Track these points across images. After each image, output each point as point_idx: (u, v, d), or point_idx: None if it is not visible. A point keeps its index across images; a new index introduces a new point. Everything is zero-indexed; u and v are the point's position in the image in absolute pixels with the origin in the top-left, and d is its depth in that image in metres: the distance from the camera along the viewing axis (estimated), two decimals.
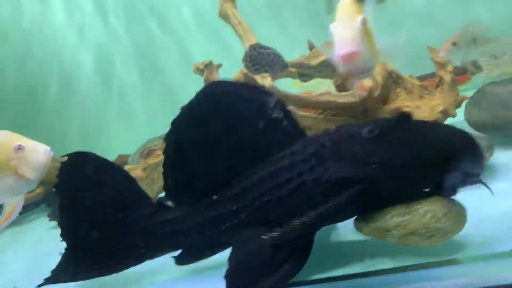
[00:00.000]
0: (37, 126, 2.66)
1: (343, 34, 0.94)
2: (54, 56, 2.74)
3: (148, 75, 2.72)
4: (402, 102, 1.50)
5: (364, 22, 0.95)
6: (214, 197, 0.95)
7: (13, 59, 2.70)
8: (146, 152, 1.56)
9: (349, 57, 0.92)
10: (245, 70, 1.44)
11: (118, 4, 2.74)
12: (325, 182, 0.87)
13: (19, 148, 1.03)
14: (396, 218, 0.91)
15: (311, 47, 1.73)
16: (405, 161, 0.87)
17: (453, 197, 0.94)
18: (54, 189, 1.04)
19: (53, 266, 1.04)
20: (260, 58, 1.39)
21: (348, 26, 0.95)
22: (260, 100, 0.92)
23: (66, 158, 1.02)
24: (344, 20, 0.97)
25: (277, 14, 2.58)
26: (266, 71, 1.41)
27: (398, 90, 1.53)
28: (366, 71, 1.00)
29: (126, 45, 2.71)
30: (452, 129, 0.94)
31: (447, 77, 1.49)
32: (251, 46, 1.41)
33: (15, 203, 1.12)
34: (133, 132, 2.64)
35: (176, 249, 1.02)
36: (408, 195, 0.91)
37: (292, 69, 1.69)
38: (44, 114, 2.74)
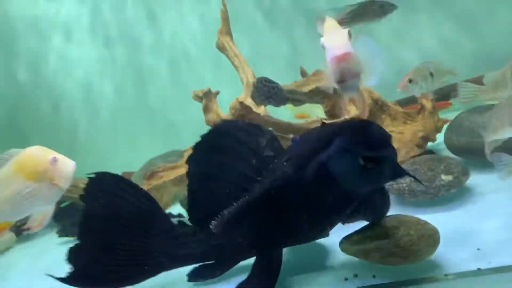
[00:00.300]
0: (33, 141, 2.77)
1: (334, 40, 1.04)
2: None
3: (142, 96, 2.86)
4: (387, 127, 1.62)
5: (349, 34, 1.06)
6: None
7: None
8: (149, 174, 1.67)
9: (343, 58, 1.00)
10: (241, 99, 1.57)
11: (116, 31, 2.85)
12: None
13: (54, 160, 1.14)
14: (376, 242, 1.03)
15: (303, 73, 1.85)
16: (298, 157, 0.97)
17: (428, 220, 1.06)
18: (80, 200, 1.13)
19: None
20: (265, 90, 1.55)
21: (338, 35, 1.06)
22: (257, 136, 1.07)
23: (93, 175, 1.13)
24: (334, 31, 1.09)
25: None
26: (269, 103, 1.57)
27: (383, 116, 1.65)
28: (356, 76, 1.06)
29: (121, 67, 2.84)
30: (354, 123, 0.94)
31: (428, 105, 1.61)
32: (258, 79, 1.56)
33: (48, 211, 1.22)
34: (134, 151, 2.75)
35: (192, 263, 1.13)
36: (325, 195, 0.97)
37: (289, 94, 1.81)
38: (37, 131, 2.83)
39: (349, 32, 1.06)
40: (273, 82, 1.56)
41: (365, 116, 1.52)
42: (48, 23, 2.82)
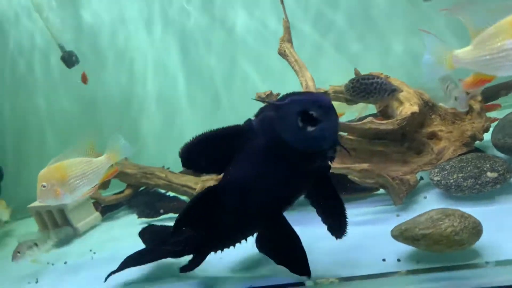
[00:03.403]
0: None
1: None
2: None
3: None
4: (437, 126, 1.73)
5: None
6: None
7: None
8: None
9: None
10: None
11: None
12: None
13: None
14: (423, 231, 1.18)
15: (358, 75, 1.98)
16: None
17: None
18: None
19: None
20: (362, 88, 1.62)
21: None
22: None
23: None
24: None
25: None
26: (371, 97, 1.62)
27: (433, 116, 1.76)
28: None
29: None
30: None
31: (476, 106, 1.71)
32: (351, 80, 1.63)
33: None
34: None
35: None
36: None
37: (340, 94, 1.96)
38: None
39: None
40: (372, 78, 1.59)
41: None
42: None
